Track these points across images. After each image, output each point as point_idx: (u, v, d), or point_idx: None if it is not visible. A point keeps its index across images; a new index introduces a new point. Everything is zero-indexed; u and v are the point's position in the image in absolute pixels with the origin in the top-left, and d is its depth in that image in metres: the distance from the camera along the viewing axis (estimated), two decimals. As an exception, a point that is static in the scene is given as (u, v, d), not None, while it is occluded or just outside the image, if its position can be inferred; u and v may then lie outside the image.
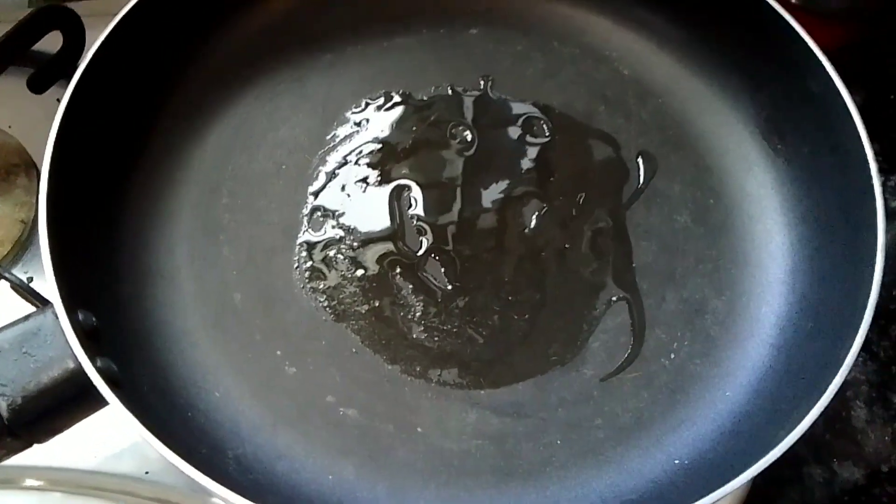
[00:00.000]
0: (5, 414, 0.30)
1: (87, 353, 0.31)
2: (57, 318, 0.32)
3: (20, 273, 0.48)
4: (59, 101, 0.56)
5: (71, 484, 0.42)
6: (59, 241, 0.34)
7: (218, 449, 0.35)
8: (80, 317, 0.33)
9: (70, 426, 0.33)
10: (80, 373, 0.31)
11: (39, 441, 0.33)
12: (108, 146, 0.41)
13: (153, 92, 0.45)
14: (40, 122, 0.55)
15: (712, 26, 0.48)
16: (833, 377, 0.33)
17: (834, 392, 0.32)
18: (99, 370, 0.31)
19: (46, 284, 0.42)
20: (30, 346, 0.31)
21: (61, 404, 0.32)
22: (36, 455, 0.35)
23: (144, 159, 0.44)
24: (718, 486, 0.31)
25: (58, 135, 0.36)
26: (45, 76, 0.54)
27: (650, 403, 0.39)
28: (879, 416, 0.52)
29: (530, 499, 0.36)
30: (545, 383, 0.39)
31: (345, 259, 0.43)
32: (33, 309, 0.43)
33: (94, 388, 0.31)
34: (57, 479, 0.42)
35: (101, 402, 0.32)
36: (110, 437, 0.43)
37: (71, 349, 0.31)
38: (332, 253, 0.43)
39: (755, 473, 0.31)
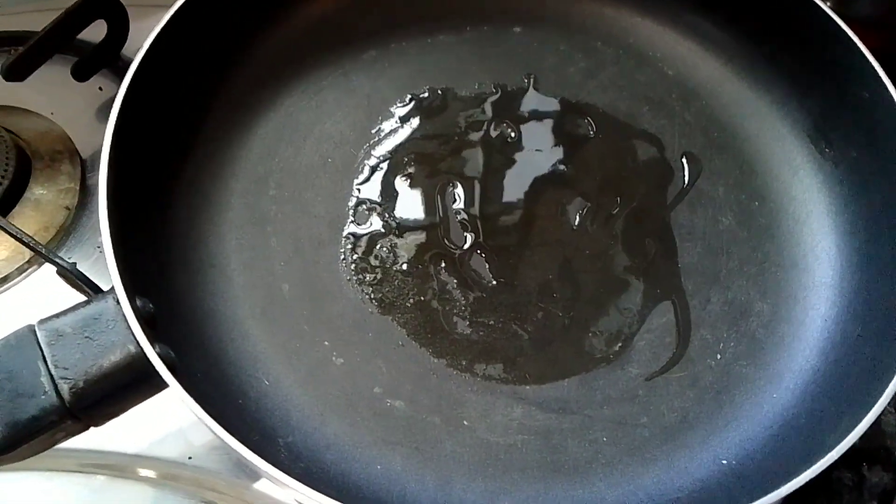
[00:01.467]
0: (67, 397, 0.31)
1: (147, 338, 0.31)
2: (118, 303, 0.32)
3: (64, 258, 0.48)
4: (101, 89, 0.57)
5: (115, 468, 0.43)
6: (118, 230, 0.34)
7: (269, 436, 0.36)
8: (139, 303, 0.33)
9: (127, 410, 0.33)
10: (140, 357, 0.31)
11: (97, 424, 0.33)
12: (160, 139, 0.41)
13: (203, 87, 0.45)
14: (83, 110, 0.56)
15: (759, 30, 0.48)
16: (888, 383, 0.33)
17: (890, 397, 0.32)
18: (159, 355, 0.31)
19: (91, 270, 0.43)
20: (91, 331, 0.32)
21: (121, 388, 0.32)
22: (80, 439, 0.36)
23: (194, 152, 0.44)
24: (770, 490, 0.32)
25: (115, 129, 0.36)
26: (88, 65, 0.55)
27: (696, 403, 0.39)
28: (909, 422, 0.51)
29: (577, 495, 0.36)
30: (590, 380, 0.40)
31: (390, 252, 0.43)
32: (76, 293, 0.45)
33: (154, 372, 0.31)
34: (101, 462, 0.43)
35: (158, 387, 0.33)
36: (154, 422, 0.43)
37: (132, 334, 0.31)
38: (377, 246, 0.43)
39: (811, 477, 0.31)
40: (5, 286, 0.48)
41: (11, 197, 0.49)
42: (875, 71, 0.41)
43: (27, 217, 0.50)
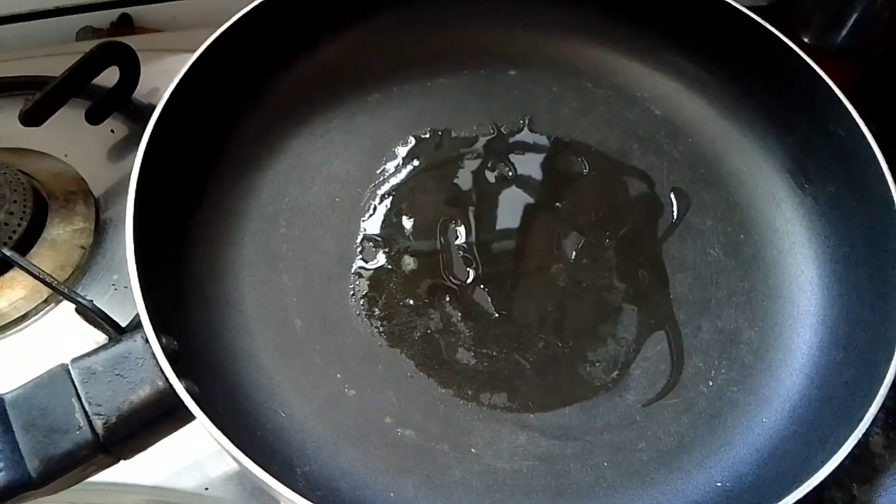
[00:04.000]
0: (101, 431, 0.32)
1: (175, 374, 0.33)
2: (146, 342, 0.34)
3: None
4: (113, 131, 0.59)
5: (132, 499, 0.44)
6: (143, 270, 0.36)
7: (287, 466, 0.37)
8: (164, 341, 0.35)
9: (155, 443, 0.35)
10: (168, 392, 0.33)
11: (127, 457, 0.35)
12: (178, 184, 0.44)
13: (217, 132, 0.47)
14: (96, 152, 0.58)
15: (739, 70, 0.51)
16: (870, 405, 0.35)
17: (872, 418, 0.34)
18: (186, 390, 0.33)
19: (107, 307, 0.45)
20: (121, 369, 0.34)
21: (150, 422, 0.34)
22: (100, 473, 0.37)
23: (209, 194, 0.46)
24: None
25: (139, 176, 0.38)
26: (101, 108, 0.57)
27: (690, 428, 0.41)
28: (896, 442, 0.53)
29: (580, 517, 0.38)
30: (590, 408, 0.42)
31: (396, 287, 0.45)
32: (93, 330, 0.46)
33: (181, 406, 0.33)
34: (121, 495, 0.44)
35: (185, 420, 0.34)
36: (171, 454, 0.45)
37: (161, 371, 0.33)
38: (384, 281, 0.45)
39: (798, 497, 0.33)
40: (24, 324, 0.49)
41: (29, 238, 0.51)
42: (847, 109, 0.43)
43: (44, 257, 0.51)
